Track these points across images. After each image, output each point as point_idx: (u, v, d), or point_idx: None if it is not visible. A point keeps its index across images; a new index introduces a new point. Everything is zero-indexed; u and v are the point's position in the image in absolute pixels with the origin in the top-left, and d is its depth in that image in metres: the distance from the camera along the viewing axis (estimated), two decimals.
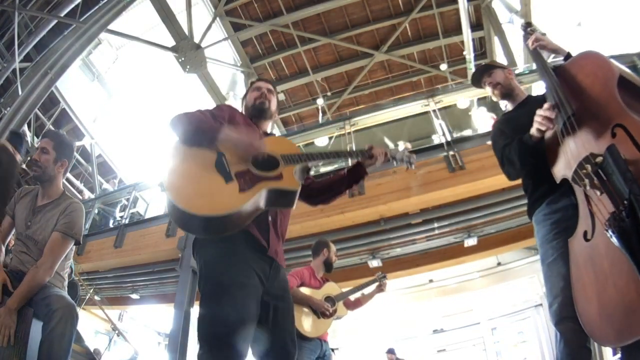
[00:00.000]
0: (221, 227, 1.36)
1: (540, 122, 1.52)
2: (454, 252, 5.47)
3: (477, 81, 2.09)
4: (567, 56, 1.72)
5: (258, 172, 1.43)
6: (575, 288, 1.37)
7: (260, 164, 1.46)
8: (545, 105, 1.53)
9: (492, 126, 2.00)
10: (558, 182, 1.51)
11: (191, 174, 1.41)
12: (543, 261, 1.62)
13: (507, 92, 1.99)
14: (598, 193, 1.27)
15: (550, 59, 1.97)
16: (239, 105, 1.91)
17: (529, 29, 1.91)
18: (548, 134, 1.56)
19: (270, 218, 1.53)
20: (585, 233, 1.35)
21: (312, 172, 1.80)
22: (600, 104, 1.41)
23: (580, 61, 1.61)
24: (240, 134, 1.46)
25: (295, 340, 1.48)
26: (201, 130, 1.45)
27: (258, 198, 1.38)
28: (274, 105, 1.82)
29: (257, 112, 1.75)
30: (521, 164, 1.68)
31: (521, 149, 1.64)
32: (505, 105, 2.08)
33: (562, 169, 1.49)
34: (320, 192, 1.68)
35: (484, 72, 2.04)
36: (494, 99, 2.06)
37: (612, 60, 1.48)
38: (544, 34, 1.85)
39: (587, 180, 1.30)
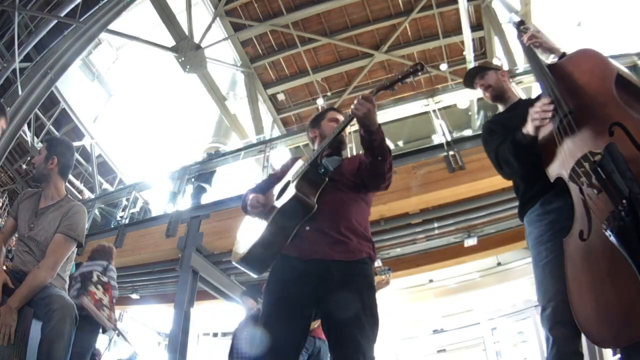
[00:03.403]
0: (256, 260, 1.67)
1: (538, 114, 1.47)
2: (454, 252, 5.45)
3: (469, 82, 2.06)
4: (562, 56, 1.66)
5: (275, 202, 1.70)
6: (571, 288, 1.33)
7: (282, 193, 1.70)
8: (542, 100, 1.49)
9: (482, 126, 1.98)
10: (552, 181, 1.47)
11: (249, 229, 1.78)
12: (536, 263, 1.58)
13: (499, 95, 1.97)
14: (595, 192, 1.24)
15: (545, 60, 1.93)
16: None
17: (522, 27, 1.88)
18: (542, 133, 1.51)
19: (307, 227, 1.65)
20: (581, 233, 1.32)
21: None
22: (597, 102, 1.39)
23: (577, 58, 1.57)
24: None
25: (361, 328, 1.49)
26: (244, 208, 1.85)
27: (271, 224, 1.63)
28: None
29: (338, 144, 1.89)
30: (519, 163, 1.63)
31: (515, 149, 1.60)
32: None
33: (557, 168, 1.45)
34: (370, 177, 1.72)
35: (477, 73, 2.02)
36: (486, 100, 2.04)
37: (610, 59, 1.46)
38: (539, 32, 1.81)
39: (584, 179, 1.27)
